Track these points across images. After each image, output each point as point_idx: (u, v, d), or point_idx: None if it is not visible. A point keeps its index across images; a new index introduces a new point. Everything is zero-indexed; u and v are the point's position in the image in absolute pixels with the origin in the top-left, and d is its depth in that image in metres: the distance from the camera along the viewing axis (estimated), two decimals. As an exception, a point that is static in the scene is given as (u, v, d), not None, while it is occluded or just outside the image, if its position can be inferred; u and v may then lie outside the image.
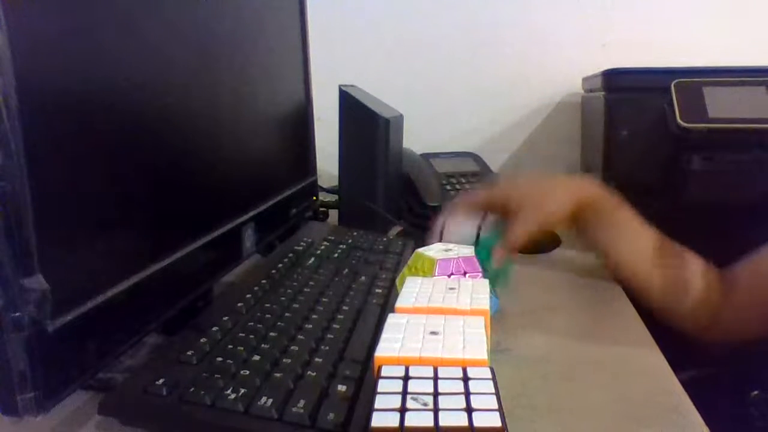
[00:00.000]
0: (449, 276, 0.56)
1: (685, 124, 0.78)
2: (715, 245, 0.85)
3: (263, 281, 0.60)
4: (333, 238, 0.78)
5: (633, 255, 0.66)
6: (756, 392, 0.86)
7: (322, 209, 1.00)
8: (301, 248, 0.72)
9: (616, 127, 0.86)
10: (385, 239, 0.81)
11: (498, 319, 0.59)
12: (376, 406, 0.33)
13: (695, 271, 0.65)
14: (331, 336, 0.49)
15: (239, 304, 0.53)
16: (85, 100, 0.39)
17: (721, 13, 1.15)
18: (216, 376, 0.41)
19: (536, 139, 1.25)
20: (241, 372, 0.42)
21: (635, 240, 0.67)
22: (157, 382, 0.40)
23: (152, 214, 0.47)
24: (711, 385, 0.84)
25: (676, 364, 0.52)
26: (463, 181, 1.07)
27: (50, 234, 0.34)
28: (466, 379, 0.36)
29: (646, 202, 0.86)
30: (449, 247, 0.61)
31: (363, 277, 0.64)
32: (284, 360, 0.44)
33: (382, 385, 0.35)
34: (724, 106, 0.79)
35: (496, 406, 0.33)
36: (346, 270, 0.66)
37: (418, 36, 1.23)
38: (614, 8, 1.18)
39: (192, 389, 0.39)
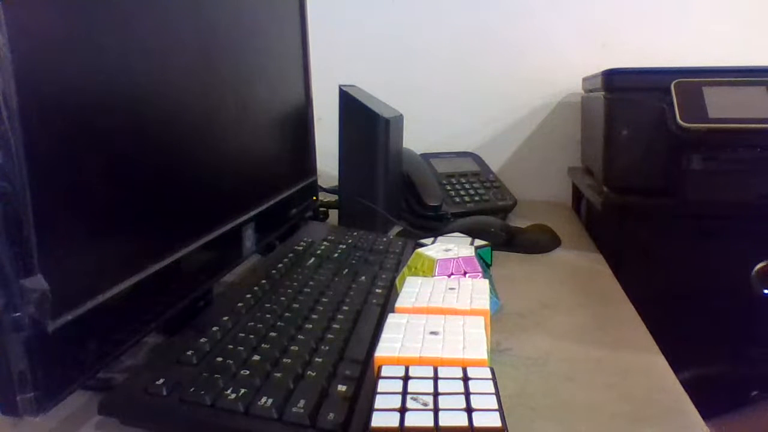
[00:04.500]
0: (449, 276, 0.56)
1: (685, 124, 0.78)
2: (715, 245, 0.86)
3: (263, 281, 0.60)
4: (333, 238, 0.78)
5: None
6: (756, 392, 0.86)
7: (322, 209, 1.00)
8: (301, 248, 0.72)
9: (616, 127, 0.86)
10: (385, 239, 0.81)
11: (498, 319, 0.59)
12: (376, 406, 0.33)
13: None
14: (331, 336, 0.49)
15: (239, 304, 0.53)
16: (85, 101, 0.39)
17: (721, 13, 1.15)
18: (216, 376, 0.41)
19: (536, 139, 1.25)
20: (241, 372, 0.42)
21: None
22: (157, 382, 0.40)
23: (152, 214, 0.47)
24: (711, 385, 0.85)
25: (676, 364, 0.52)
26: (463, 181, 1.07)
27: (50, 234, 0.34)
28: (466, 379, 0.36)
29: (646, 202, 0.86)
30: (449, 247, 0.61)
31: (363, 277, 0.64)
32: (284, 360, 0.44)
33: (382, 385, 0.35)
34: (724, 106, 0.78)
35: (496, 406, 0.33)
36: (346, 270, 0.66)
37: (419, 36, 1.23)
38: (614, 8, 1.18)
39: (192, 389, 0.39)
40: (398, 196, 0.97)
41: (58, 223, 0.35)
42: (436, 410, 0.33)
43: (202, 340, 0.46)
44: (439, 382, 0.36)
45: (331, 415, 0.38)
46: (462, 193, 1.03)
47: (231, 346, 0.45)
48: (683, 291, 0.87)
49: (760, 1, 1.15)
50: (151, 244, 0.46)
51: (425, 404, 0.33)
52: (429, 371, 0.37)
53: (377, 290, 0.61)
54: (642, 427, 0.43)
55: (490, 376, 0.36)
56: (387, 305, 0.58)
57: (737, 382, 0.89)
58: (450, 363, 0.38)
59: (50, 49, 0.35)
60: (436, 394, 0.34)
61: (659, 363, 0.53)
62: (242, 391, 0.39)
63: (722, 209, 0.83)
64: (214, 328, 0.48)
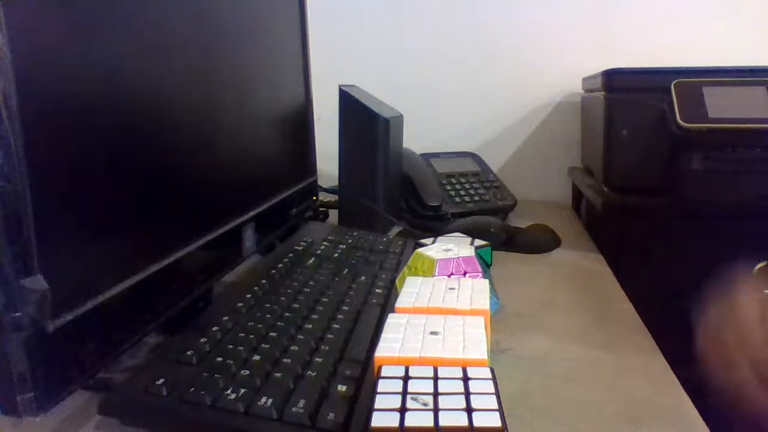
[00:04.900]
0: (449, 276, 0.56)
1: (685, 124, 0.78)
2: (715, 245, 0.86)
3: (263, 281, 0.60)
4: (333, 238, 0.78)
5: None
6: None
7: (322, 209, 1.00)
8: (301, 248, 0.72)
9: (616, 127, 0.86)
10: (385, 239, 0.81)
11: (498, 319, 0.59)
12: (376, 406, 0.33)
13: None
14: (331, 336, 0.49)
15: (239, 304, 0.53)
16: (85, 100, 0.39)
17: (721, 13, 1.15)
18: (216, 376, 0.41)
19: (536, 139, 1.25)
20: (241, 372, 0.42)
21: None
22: (157, 382, 0.40)
23: (152, 214, 0.47)
24: (711, 385, 0.84)
25: (676, 364, 0.52)
26: (463, 181, 1.07)
27: (50, 234, 0.34)
28: (466, 379, 0.36)
29: (646, 202, 0.86)
30: (449, 247, 0.61)
31: (363, 277, 0.64)
32: (284, 360, 0.44)
33: (382, 385, 0.35)
34: (724, 106, 0.79)
35: (496, 406, 0.33)
36: (346, 270, 0.66)
37: (418, 36, 1.23)
38: (614, 8, 1.18)
39: (192, 389, 0.39)
40: (398, 196, 0.97)
41: (58, 223, 0.35)
42: (436, 410, 0.33)
43: (202, 340, 0.46)
44: (439, 382, 0.36)
45: (331, 415, 0.38)
46: (462, 193, 1.03)
47: (231, 346, 0.45)
48: (683, 291, 0.87)
49: (760, 1, 1.15)
50: (151, 244, 0.46)
51: (425, 404, 0.33)
52: (429, 371, 0.37)
53: (377, 290, 0.61)
54: (642, 427, 0.43)
55: (490, 376, 0.36)
56: (387, 305, 0.58)
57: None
58: (450, 363, 0.38)
59: (50, 49, 0.35)
60: (436, 394, 0.34)
61: (659, 363, 0.53)
62: (242, 391, 0.39)
63: (722, 209, 0.83)
64: (214, 328, 0.48)
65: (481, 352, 0.39)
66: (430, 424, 0.31)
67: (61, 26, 0.36)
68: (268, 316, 0.52)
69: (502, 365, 0.51)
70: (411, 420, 0.32)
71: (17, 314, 0.32)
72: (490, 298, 0.49)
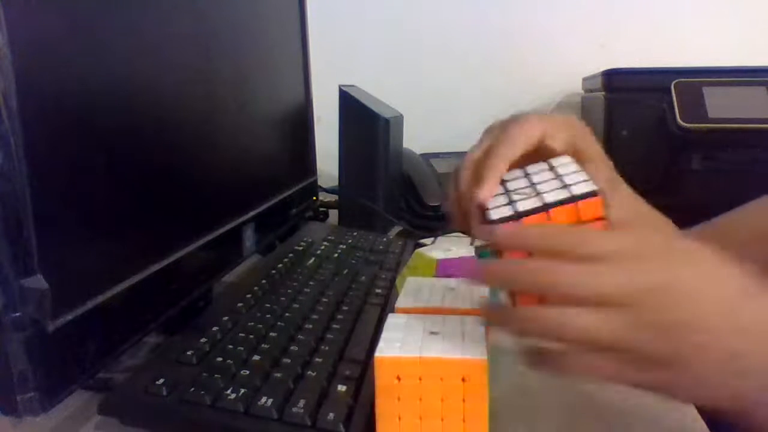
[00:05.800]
0: (449, 276, 0.56)
1: (685, 124, 0.78)
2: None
3: (263, 281, 0.60)
4: (333, 238, 0.78)
5: None
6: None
7: (322, 209, 1.00)
8: (301, 248, 0.72)
9: (616, 127, 0.86)
10: (385, 239, 0.81)
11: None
12: (491, 205, 0.39)
13: None
14: (331, 336, 0.49)
15: (239, 304, 0.53)
16: (85, 100, 0.39)
17: (721, 13, 1.15)
18: (216, 376, 0.41)
19: (536, 139, 1.25)
20: (241, 372, 0.42)
21: None
22: (157, 382, 0.40)
23: (152, 214, 0.47)
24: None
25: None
26: (463, 181, 1.07)
27: (50, 234, 0.34)
28: (552, 168, 0.41)
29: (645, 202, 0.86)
30: (449, 247, 0.61)
31: (363, 277, 0.64)
32: (284, 360, 0.44)
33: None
34: (724, 106, 0.79)
35: (587, 177, 0.37)
36: (346, 270, 0.66)
37: (418, 36, 1.23)
38: (614, 8, 1.18)
39: (192, 389, 0.39)
40: (398, 196, 0.97)
41: (58, 223, 0.35)
42: (539, 194, 0.37)
43: (202, 340, 0.46)
44: (532, 176, 0.41)
45: (331, 415, 0.38)
46: (462, 193, 1.03)
47: (231, 346, 0.45)
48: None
49: (760, 1, 1.15)
50: (151, 244, 0.46)
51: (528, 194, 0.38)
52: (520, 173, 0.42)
53: (377, 290, 0.61)
54: (642, 427, 0.43)
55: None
56: (387, 305, 0.58)
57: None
58: (449, 363, 0.38)
59: (50, 49, 0.35)
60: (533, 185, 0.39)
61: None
62: (242, 391, 0.39)
63: (722, 209, 0.83)
64: (214, 328, 0.48)
65: (481, 352, 0.39)
66: (539, 203, 0.36)
67: (61, 26, 0.36)
68: (268, 316, 0.52)
69: (502, 365, 0.51)
70: (521, 206, 0.37)
71: (17, 314, 0.32)
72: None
